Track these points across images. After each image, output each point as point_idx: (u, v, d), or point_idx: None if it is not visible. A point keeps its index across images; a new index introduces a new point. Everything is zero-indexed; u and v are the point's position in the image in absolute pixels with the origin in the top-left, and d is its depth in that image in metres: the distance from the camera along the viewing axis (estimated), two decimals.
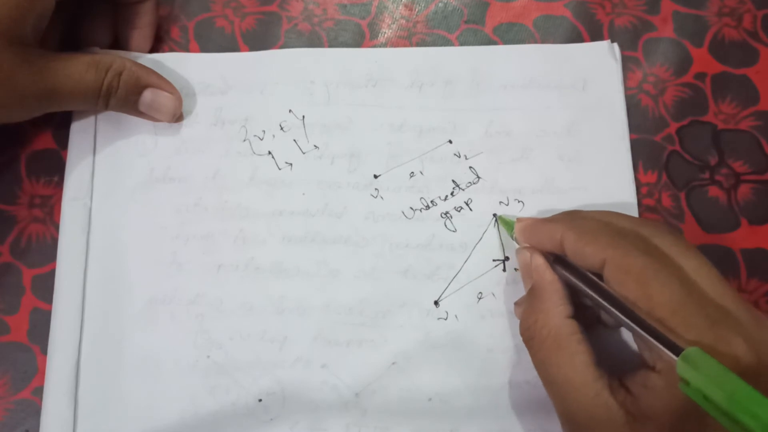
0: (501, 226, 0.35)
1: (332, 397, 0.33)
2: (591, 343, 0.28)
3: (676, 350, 0.24)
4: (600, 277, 0.28)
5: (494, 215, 0.36)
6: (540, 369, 0.29)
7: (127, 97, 0.35)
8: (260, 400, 0.33)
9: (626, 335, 0.33)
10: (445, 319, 0.34)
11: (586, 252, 0.28)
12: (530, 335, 0.29)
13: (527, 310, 0.30)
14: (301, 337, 0.34)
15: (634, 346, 0.32)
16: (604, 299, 0.28)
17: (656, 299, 0.26)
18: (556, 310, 0.29)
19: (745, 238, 0.36)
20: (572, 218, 0.31)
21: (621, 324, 0.27)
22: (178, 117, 0.37)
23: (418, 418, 0.33)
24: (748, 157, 0.37)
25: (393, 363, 0.34)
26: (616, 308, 0.27)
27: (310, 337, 0.34)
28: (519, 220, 0.33)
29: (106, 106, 0.35)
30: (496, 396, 0.33)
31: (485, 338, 0.34)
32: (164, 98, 0.36)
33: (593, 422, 0.26)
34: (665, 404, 0.25)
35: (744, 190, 0.37)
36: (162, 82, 0.36)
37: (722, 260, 0.35)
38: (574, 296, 0.30)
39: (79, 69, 0.33)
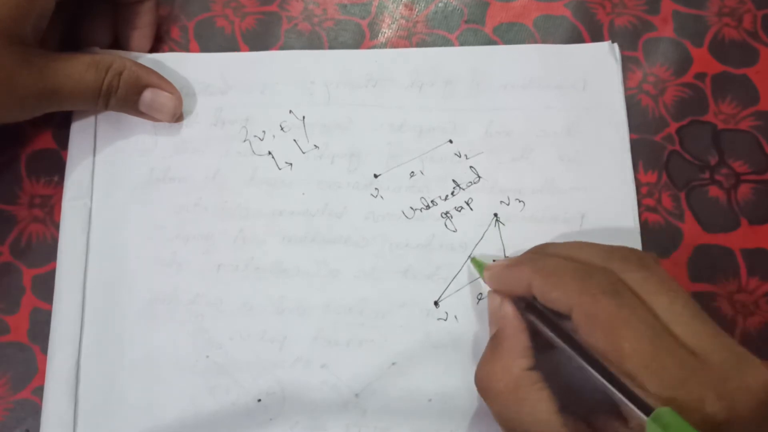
0: (476, 269, 0.34)
1: (332, 397, 0.33)
2: (556, 383, 0.27)
3: (646, 409, 0.24)
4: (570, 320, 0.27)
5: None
6: (500, 421, 0.28)
7: (127, 96, 0.35)
8: (260, 400, 0.33)
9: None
10: (445, 320, 0.34)
11: (552, 297, 0.27)
12: (487, 386, 0.28)
13: (486, 358, 0.29)
14: (301, 337, 0.34)
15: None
16: (575, 352, 0.27)
17: (626, 351, 0.25)
18: (516, 363, 0.28)
19: (745, 238, 0.36)
20: (538, 258, 0.29)
21: (593, 379, 0.26)
22: (178, 117, 0.37)
23: (418, 419, 0.33)
24: (748, 157, 0.37)
25: (393, 363, 0.34)
26: (587, 362, 0.26)
27: (310, 337, 0.34)
28: (488, 267, 0.31)
29: (106, 106, 0.35)
30: None
31: (485, 339, 0.34)
32: (164, 98, 0.36)
33: None
34: None
35: (744, 190, 0.37)
36: (162, 82, 0.36)
37: (722, 260, 0.35)
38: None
39: (80, 69, 0.33)
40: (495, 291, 0.31)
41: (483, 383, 0.29)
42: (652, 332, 0.25)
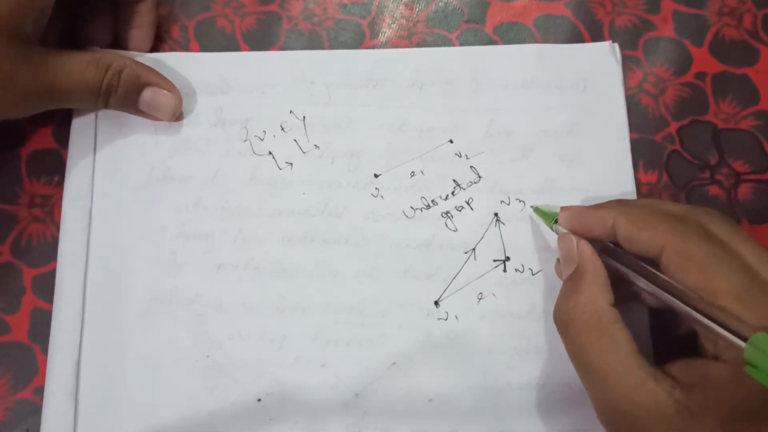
0: (538, 217, 0.35)
1: (332, 397, 0.33)
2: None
3: (743, 336, 0.24)
4: (652, 264, 0.28)
5: (495, 214, 0.36)
6: (577, 355, 0.28)
7: (127, 95, 0.35)
8: (259, 400, 0.33)
9: (665, 322, 0.32)
10: (446, 320, 0.34)
11: (641, 238, 0.28)
12: (568, 318, 0.28)
13: (566, 293, 0.29)
14: (300, 337, 0.34)
15: (673, 333, 0.32)
16: (662, 288, 0.27)
17: (719, 286, 0.25)
18: (600, 296, 0.28)
19: None
20: (624, 204, 0.30)
21: (681, 313, 0.27)
22: (178, 116, 0.37)
23: (418, 419, 0.33)
24: (748, 157, 0.37)
25: (393, 363, 0.34)
26: (677, 297, 0.27)
27: (309, 336, 0.34)
28: (564, 208, 0.32)
29: (106, 105, 0.35)
30: (497, 397, 0.33)
31: (485, 339, 0.34)
32: (164, 97, 0.36)
33: (639, 412, 0.26)
34: (728, 396, 0.25)
35: (744, 190, 0.37)
36: (162, 81, 0.36)
37: None
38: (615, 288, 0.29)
39: (80, 67, 0.33)
40: (566, 233, 0.31)
41: (565, 315, 0.29)
42: (743, 271, 0.26)
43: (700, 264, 0.26)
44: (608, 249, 0.30)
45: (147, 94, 0.35)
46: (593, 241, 0.30)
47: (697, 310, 0.26)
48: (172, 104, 0.36)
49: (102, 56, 0.34)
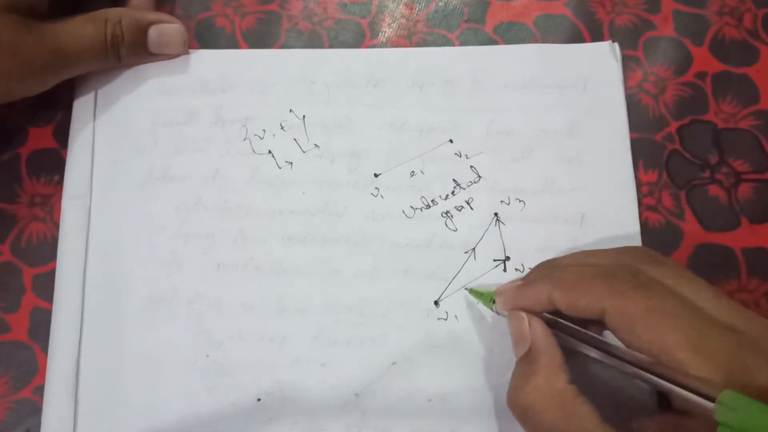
0: (475, 299, 0.34)
1: (332, 397, 0.33)
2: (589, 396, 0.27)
3: (709, 397, 0.23)
4: (600, 325, 0.27)
5: (495, 214, 0.36)
6: None
7: (134, 41, 0.35)
8: (259, 400, 0.33)
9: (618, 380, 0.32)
10: (446, 320, 0.34)
11: (580, 305, 0.27)
12: (527, 404, 0.27)
13: (521, 376, 0.28)
14: (300, 337, 0.34)
15: (631, 389, 0.31)
16: (615, 357, 0.26)
17: (670, 341, 0.25)
18: (559, 376, 0.27)
19: (745, 237, 0.36)
20: (551, 272, 0.29)
21: (641, 380, 0.26)
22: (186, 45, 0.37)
23: (418, 419, 0.33)
24: (748, 156, 0.37)
25: (393, 363, 0.34)
26: (633, 365, 0.26)
27: (309, 336, 0.34)
28: (498, 291, 0.31)
29: (119, 58, 0.35)
30: (497, 397, 0.33)
31: (485, 339, 0.34)
32: (170, 29, 0.36)
33: None
34: None
35: (744, 189, 0.37)
36: (162, 16, 0.36)
37: (722, 259, 0.35)
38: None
39: (77, 25, 0.33)
40: (515, 310, 0.30)
41: (523, 402, 0.27)
42: (690, 315, 0.25)
43: (644, 321, 0.25)
44: (551, 322, 0.29)
45: (153, 33, 0.36)
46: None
47: (657, 375, 0.25)
48: (179, 35, 0.36)
49: (95, 13, 0.34)
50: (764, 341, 0.25)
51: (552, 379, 0.27)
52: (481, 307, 0.34)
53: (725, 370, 0.24)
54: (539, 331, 0.29)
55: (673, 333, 0.25)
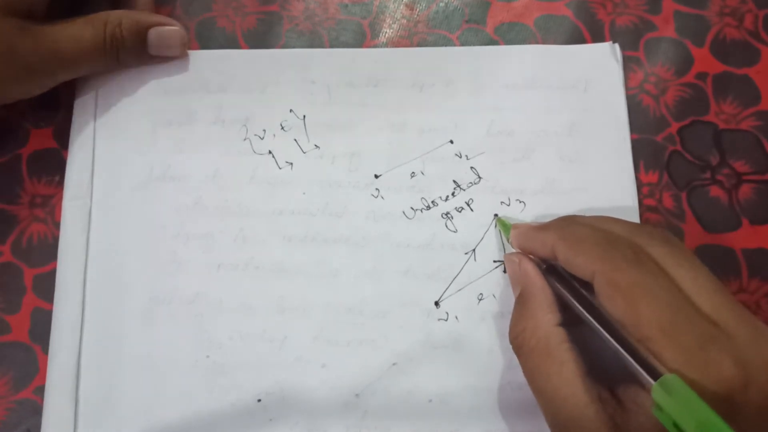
0: (499, 228, 0.35)
1: (332, 397, 0.33)
2: (581, 350, 0.27)
3: (655, 374, 0.24)
4: (590, 287, 0.28)
5: (495, 215, 0.36)
6: (529, 379, 0.28)
7: (135, 44, 0.35)
8: (259, 400, 0.33)
9: None
10: (446, 320, 0.34)
11: (576, 263, 0.28)
12: (519, 344, 0.29)
13: (516, 317, 0.30)
14: (300, 337, 0.34)
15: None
16: (590, 315, 0.27)
17: (644, 317, 0.25)
18: (545, 318, 0.28)
19: (746, 238, 0.36)
20: (566, 225, 0.30)
21: (605, 342, 0.26)
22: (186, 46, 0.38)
23: (418, 419, 0.33)
24: (749, 157, 0.37)
25: (393, 363, 0.34)
26: (601, 325, 0.26)
27: (310, 337, 0.34)
28: (515, 226, 0.33)
29: (118, 60, 0.35)
30: (497, 397, 0.33)
31: (486, 339, 0.34)
32: (170, 32, 0.36)
33: None
34: (653, 425, 0.25)
35: (745, 190, 0.37)
36: (161, 18, 0.36)
37: (723, 260, 0.35)
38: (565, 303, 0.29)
39: (75, 27, 0.34)
40: (518, 250, 0.31)
41: (516, 341, 0.29)
42: (672, 300, 0.25)
43: (626, 293, 0.26)
44: (553, 269, 0.30)
45: (152, 35, 0.36)
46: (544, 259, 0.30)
47: (617, 341, 0.26)
48: (178, 37, 0.36)
49: (94, 16, 0.34)
50: (742, 340, 0.25)
51: (540, 321, 0.28)
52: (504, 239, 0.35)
53: (685, 358, 0.24)
54: (530, 272, 0.30)
55: (648, 311, 0.25)
